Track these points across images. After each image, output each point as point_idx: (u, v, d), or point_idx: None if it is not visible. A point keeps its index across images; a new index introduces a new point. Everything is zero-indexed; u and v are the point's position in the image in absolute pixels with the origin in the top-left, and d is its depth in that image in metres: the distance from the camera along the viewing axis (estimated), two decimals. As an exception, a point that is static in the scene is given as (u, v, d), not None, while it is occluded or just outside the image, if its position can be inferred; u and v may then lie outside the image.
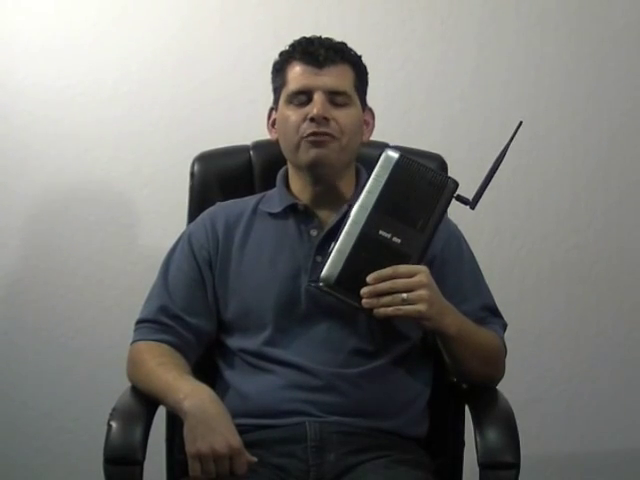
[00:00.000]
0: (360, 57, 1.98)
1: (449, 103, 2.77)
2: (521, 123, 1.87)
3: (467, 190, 1.85)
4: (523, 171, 2.78)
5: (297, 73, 1.93)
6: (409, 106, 2.76)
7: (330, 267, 1.78)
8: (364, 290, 1.77)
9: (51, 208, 2.76)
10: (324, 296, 1.82)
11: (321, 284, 1.79)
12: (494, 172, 1.86)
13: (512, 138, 1.87)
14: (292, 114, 1.93)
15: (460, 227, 2.05)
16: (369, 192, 1.80)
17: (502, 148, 1.86)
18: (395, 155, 1.81)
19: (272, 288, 1.93)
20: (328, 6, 2.73)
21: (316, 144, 1.90)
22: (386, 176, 1.80)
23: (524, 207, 2.80)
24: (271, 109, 2.01)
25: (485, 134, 2.70)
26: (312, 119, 1.90)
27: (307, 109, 1.91)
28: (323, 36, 1.97)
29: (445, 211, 1.82)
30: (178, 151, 2.67)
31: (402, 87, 2.75)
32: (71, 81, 2.73)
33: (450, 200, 1.83)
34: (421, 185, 1.80)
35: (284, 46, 1.98)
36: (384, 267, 1.77)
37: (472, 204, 1.84)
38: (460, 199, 1.84)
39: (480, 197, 1.84)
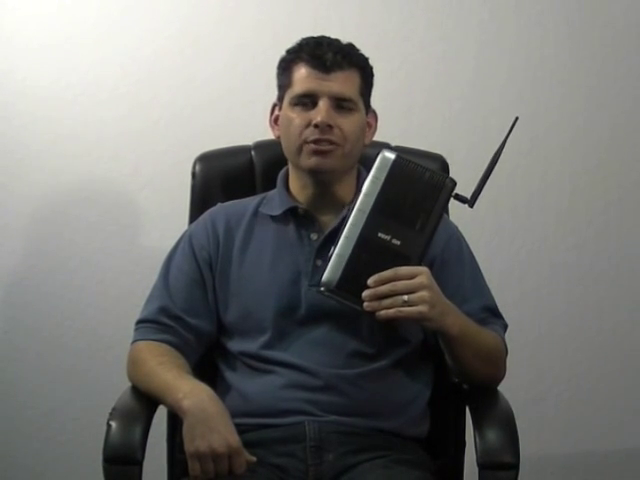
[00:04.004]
0: (367, 59, 1.97)
1: (449, 103, 2.77)
2: (517, 119, 1.86)
3: (468, 190, 1.85)
4: (523, 171, 2.78)
5: (303, 76, 1.92)
6: (409, 106, 2.76)
7: (330, 271, 1.78)
8: (365, 293, 1.76)
9: (51, 208, 2.76)
10: (324, 299, 1.81)
11: (322, 289, 1.78)
12: (491, 170, 1.85)
13: (508, 135, 1.86)
14: (296, 117, 1.92)
15: (460, 227, 2.05)
16: (367, 194, 1.79)
17: (498, 146, 1.86)
18: (392, 156, 1.80)
19: (272, 292, 1.93)
20: (327, 6, 2.73)
21: (318, 153, 1.90)
22: (383, 178, 1.79)
23: (524, 207, 2.80)
24: (274, 105, 2.01)
25: (485, 134, 2.70)
26: (316, 125, 1.89)
27: (311, 114, 1.91)
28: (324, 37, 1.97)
29: (443, 211, 1.82)
30: (178, 151, 2.68)
31: (402, 87, 2.74)
32: (71, 81, 2.73)
33: (448, 199, 1.82)
34: (419, 185, 1.79)
35: (283, 46, 1.98)
36: (384, 269, 1.76)
37: (470, 202, 1.84)
38: (458, 198, 1.84)
39: (478, 195, 1.84)
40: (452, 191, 1.81)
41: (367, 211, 1.78)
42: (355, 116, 1.93)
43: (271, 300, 1.92)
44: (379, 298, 1.76)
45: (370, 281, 1.76)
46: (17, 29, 2.73)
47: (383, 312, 1.76)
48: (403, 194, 1.79)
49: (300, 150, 1.92)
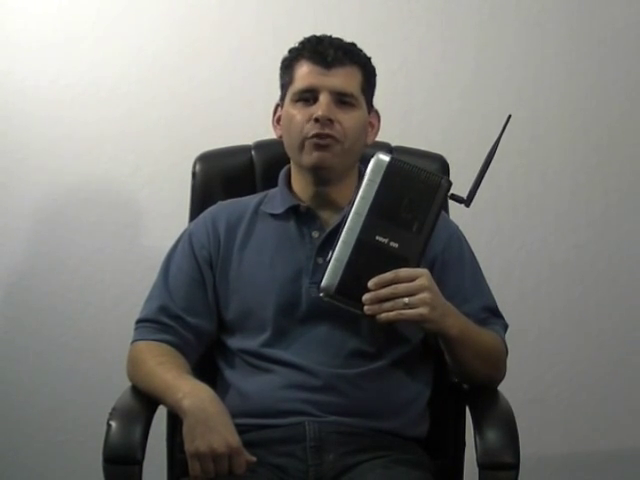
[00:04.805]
0: (369, 59, 1.98)
1: (449, 103, 2.77)
2: (510, 117, 1.87)
3: (467, 190, 1.85)
4: (523, 171, 2.78)
5: (304, 72, 1.93)
6: (409, 106, 2.76)
7: (329, 277, 1.77)
8: (366, 297, 1.75)
9: (51, 208, 2.76)
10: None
11: (321, 294, 1.78)
12: (486, 169, 1.85)
13: (501, 133, 1.86)
14: (297, 113, 1.92)
15: (460, 227, 2.04)
16: (363, 198, 1.78)
17: (492, 144, 1.86)
18: (386, 158, 1.79)
19: (273, 289, 1.93)
20: (327, 6, 2.73)
21: (319, 147, 1.90)
22: (378, 180, 1.78)
23: (524, 207, 2.80)
24: (277, 105, 2.01)
25: (485, 134, 2.67)
26: (316, 120, 1.89)
27: (312, 109, 1.91)
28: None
29: (440, 211, 1.81)
30: (178, 151, 2.68)
31: (402, 87, 2.74)
32: (71, 81, 2.73)
33: (444, 200, 1.82)
34: (414, 187, 1.79)
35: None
36: (383, 273, 1.75)
37: (467, 202, 1.84)
38: (454, 198, 1.84)
39: (474, 194, 1.84)
40: (448, 191, 1.81)
41: (364, 214, 1.77)
42: (356, 112, 1.93)
43: (271, 297, 1.92)
44: (380, 301, 1.75)
45: (370, 284, 1.75)
46: (17, 29, 2.73)
47: (384, 315, 1.75)
48: (399, 196, 1.78)
49: (302, 147, 1.92)
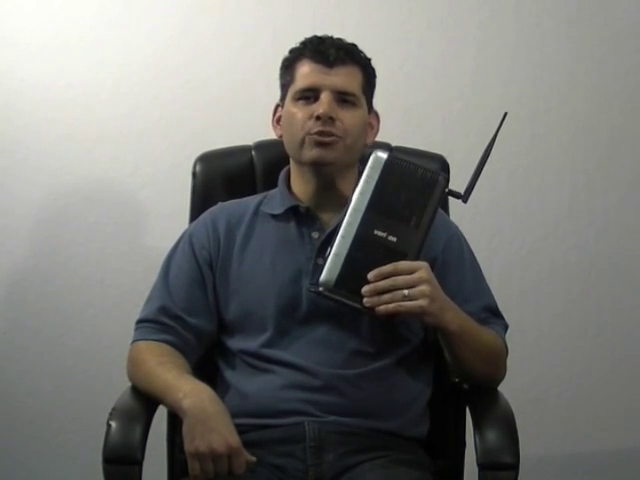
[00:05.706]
0: (369, 60, 1.98)
1: (449, 103, 2.77)
2: (506, 114, 1.87)
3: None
4: (523, 171, 2.78)
5: (306, 71, 1.93)
6: (409, 106, 2.76)
7: (328, 271, 1.78)
8: (365, 289, 1.76)
9: (51, 208, 2.76)
10: (325, 300, 1.81)
11: (321, 288, 1.78)
12: (483, 163, 1.86)
13: (498, 129, 1.87)
14: (298, 111, 1.92)
15: (460, 227, 2.04)
16: (361, 193, 1.79)
17: (489, 140, 1.87)
18: (384, 156, 1.81)
19: (273, 290, 1.93)
20: (327, 6, 2.73)
21: (320, 144, 1.90)
22: (377, 177, 1.79)
23: (524, 207, 2.80)
24: (277, 105, 2.01)
25: (485, 134, 2.68)
26: (318, 117, 1.89)
27: (314, 107, 1.91)
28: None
29: (438, 207, 1.82)
30: (178, 151, 2.68)
31: (402, 87, 2.75)
32: (71, 81, 2.73)
33: (442, 195, 1.83)
34: (412, 183, 1.80)
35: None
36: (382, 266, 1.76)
37: (464, 198, 1.85)
38: (452, 193, 1.85)
39: (471, 190, 1.85)
40: (445, 187, 1.82)
41: (362, 210, 1.79)
42: (357, 111, 1.93)
43: (272, 298, 1.92)
44: (379, 293, 1.76)
45: (370, 275, 1.76)
46: (17, 29, 2.73)
47: (383, 307, 1.75)
48: (397, 192, 1.80)
49: (302, 143, 1.92)
